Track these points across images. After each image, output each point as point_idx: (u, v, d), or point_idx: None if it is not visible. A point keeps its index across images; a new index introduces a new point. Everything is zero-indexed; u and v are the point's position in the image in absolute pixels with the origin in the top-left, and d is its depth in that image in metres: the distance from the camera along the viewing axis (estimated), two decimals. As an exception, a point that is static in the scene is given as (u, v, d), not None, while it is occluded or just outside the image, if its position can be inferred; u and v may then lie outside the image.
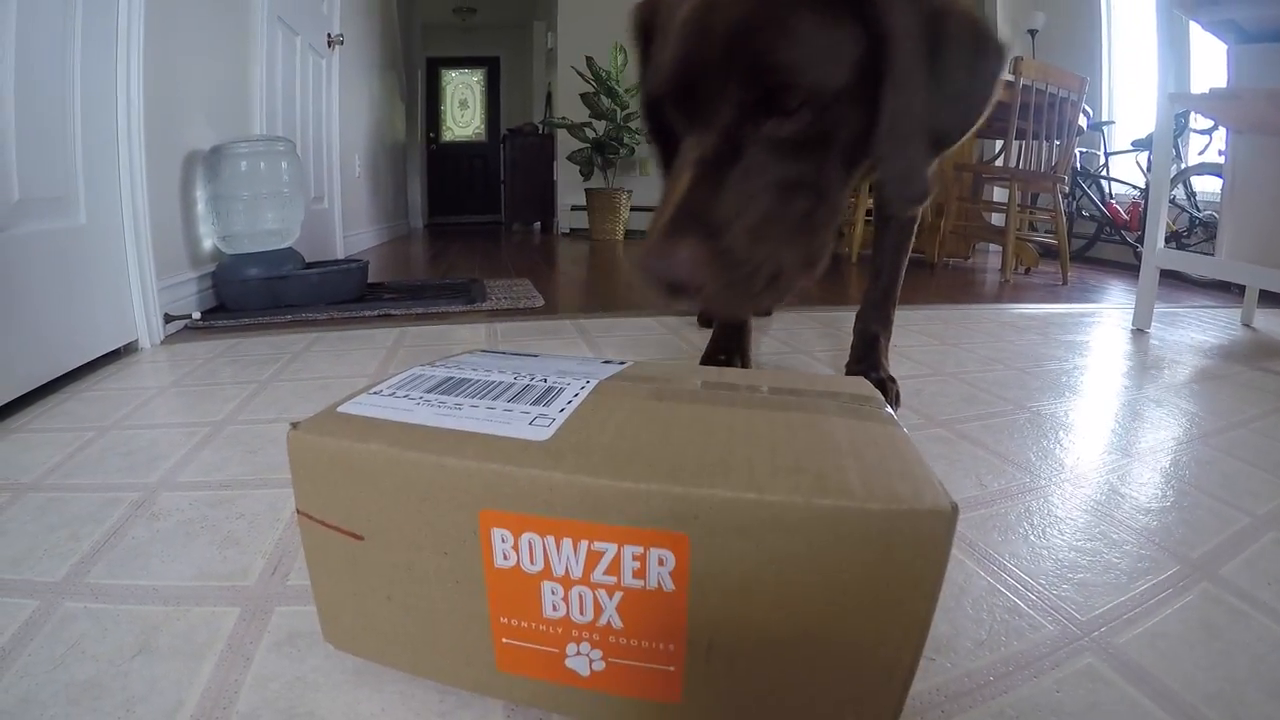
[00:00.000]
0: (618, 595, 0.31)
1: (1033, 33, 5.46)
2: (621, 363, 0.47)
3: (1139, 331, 1.81)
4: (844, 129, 0.54)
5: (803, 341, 1.37)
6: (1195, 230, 3.96)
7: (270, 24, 2.15)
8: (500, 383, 0.41)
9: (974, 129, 0.60)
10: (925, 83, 0.54)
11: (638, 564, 0.30)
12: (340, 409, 0.37)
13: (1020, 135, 2.88)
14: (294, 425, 0.35)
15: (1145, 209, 3.18)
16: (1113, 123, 4.82)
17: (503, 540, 0.31)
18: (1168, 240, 3.96)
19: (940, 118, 0.56)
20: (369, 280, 1.96)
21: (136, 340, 1.35)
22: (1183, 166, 4.02)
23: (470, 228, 6.25)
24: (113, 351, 1.27)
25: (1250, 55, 1.98)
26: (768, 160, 0.52)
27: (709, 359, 1.10)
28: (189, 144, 1.66)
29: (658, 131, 0.65)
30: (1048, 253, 3.41)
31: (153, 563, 0.56)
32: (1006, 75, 0.56)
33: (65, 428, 0.90)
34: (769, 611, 0.30)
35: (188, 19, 1.64)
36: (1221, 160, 2.20)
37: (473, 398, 0.38)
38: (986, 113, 0.60)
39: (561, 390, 0.40)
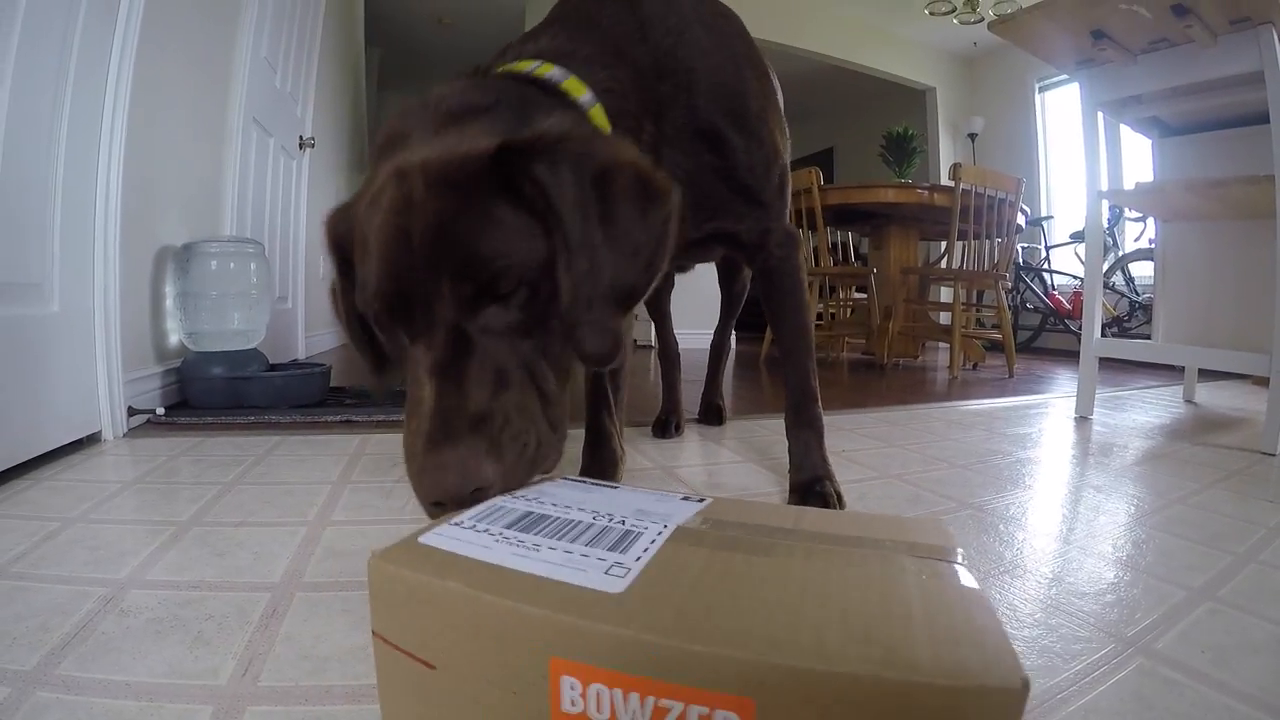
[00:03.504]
0: None
1: (972, 136, 5.75)
2: (700, 499, 0.48)
3: (1082, 419, 1.86)
4: (554, 300, 0.55)
5: (751, 451, 1.39)
6: (1136, 314, 4.12)
7: (246, 125, 2.22)
8: (579, 522, 0.42)
9: (659, 277, 0.60)
10: (600, 246, 0.55)
11: None
12: (421, 539, 0.39)
13: (962, 236, 3.00)
14: (375, 553, 0.37)
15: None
16: (1051, 218, 5.03)
17: (571, 688, 0.32)
18: (1110, 325, 4.12)
19: (622, 275, 0.56)
20: (331, 384, 1.95)
21: (100, 431, 1.34)
22: (1120, 254, 4.18)
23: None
24: (75, 441, 1.27)
25: (1173, 147, 2.12)
26: (499, 346, 0.53)
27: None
28: (162, 239, 1.69)
29: (366, 342, 0.66)
30: (995, 347, 3.47)
31: (124, 658, 0.56)
32: (673, 220, 0.56)
33: (30, 516, 0.90)
34: None
35: (169, 116, 1.69)
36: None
37: (550, 538, 0.39)
38: (666, 260, 0.59)
39: (639, 535, 0.40)
